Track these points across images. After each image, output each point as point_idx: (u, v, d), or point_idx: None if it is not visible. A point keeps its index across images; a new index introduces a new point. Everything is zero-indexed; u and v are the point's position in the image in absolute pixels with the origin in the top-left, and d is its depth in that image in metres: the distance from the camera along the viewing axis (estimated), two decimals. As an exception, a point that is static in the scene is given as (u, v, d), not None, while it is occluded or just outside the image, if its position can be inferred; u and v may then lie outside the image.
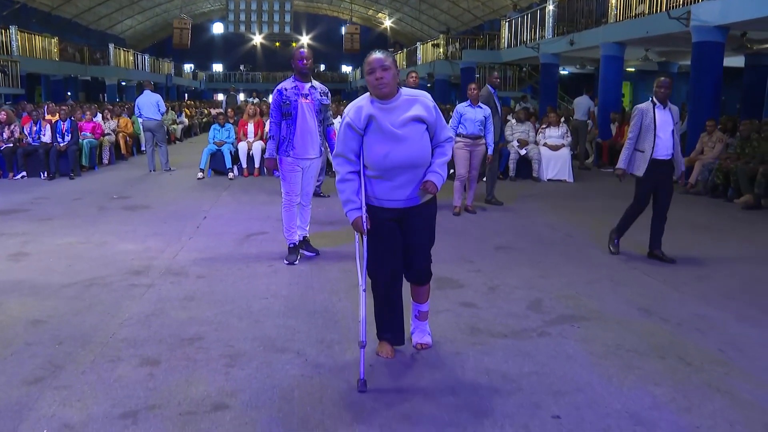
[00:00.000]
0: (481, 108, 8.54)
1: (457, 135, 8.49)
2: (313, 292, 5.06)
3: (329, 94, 6.07)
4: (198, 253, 6.28)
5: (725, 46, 12.40)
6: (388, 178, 3.49)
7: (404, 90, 3.56)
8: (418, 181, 3.53)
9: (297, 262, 5.91)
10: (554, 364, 3.73)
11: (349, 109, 3.55)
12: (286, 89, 5.78)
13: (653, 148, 6.07)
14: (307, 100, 5.78)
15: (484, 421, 3.05)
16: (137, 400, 3.20)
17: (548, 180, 12.28)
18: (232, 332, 4.16)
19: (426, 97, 3.58)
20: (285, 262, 5.90)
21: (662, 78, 6.17)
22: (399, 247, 3.64)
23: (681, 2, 12.65)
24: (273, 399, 3.24)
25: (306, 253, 6.16)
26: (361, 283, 3.53)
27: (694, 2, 12.14)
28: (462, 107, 8.58)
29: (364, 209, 3.52)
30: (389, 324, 3.77)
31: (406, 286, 3.79)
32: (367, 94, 3.56)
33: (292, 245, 5.99)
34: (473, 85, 8.71)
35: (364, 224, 3.51)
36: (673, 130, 6.10)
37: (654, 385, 3.49)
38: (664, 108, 6.12)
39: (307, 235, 6.25)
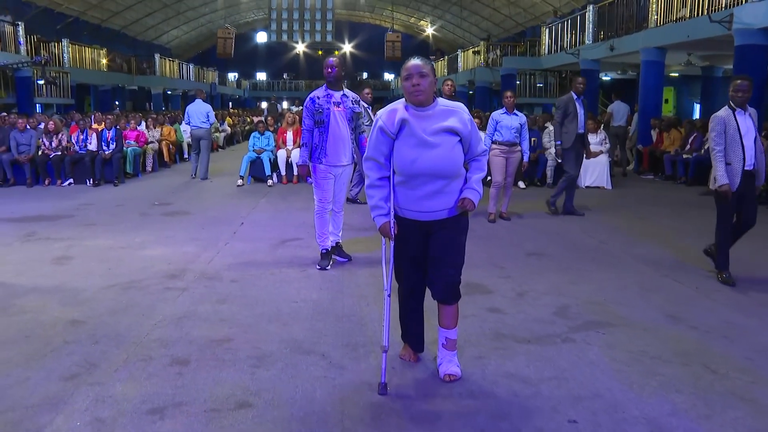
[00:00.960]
0: (516, 115, 8.57)
1: (493, 142, 8.55)
2: (342, 296, 5.16)
3: (361, 102, 6.15)
4: (233, 258, 6.44)
5: (767, 49, 12.17)
6: (412, 187, 3.45)
7: (441, 100, 3.52)
8: (444, 194, 3.46)
9: (329, 267, 6.01)
10: (575, 370, 3.75)
11: (382, 113, 3.53)
12: (318, 97, 5.89)
13: (743, 159, 5.53)
14: (339, 108, 5.87)
15: (500, 424, 3.10)
16: (165, 398, 3.34)
17: (586, 187, 12.19)
18: (260, 334, 4.28)
19: (463, 109, 3.54)
20: (317, 267, 6.01)
21: (739, 81, 5.57)
22: (422, 260, 3.60)
23: (723, 5, 12.48)
24: (295, 399, 3.34)
25: (338, 258, 6.27)
26: (386, 288, 3.54)
27: (737, 5, 11.96)
28: (498, 114, 8.61)
29: (392, 215, 3.52)
30: (411, 331, 3.84)
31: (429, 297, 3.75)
32: (402, 99, 3.54)
33: (324, 251, 6.09)
34: (509, 93, 8.75)
35: (392, 229, 3.51)
36: (756, 137, 5.60)
37: (675, 392, 3.48)
38: (745, 113, 5.60)
39: (340, 241, 6.35)
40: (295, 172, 12.55)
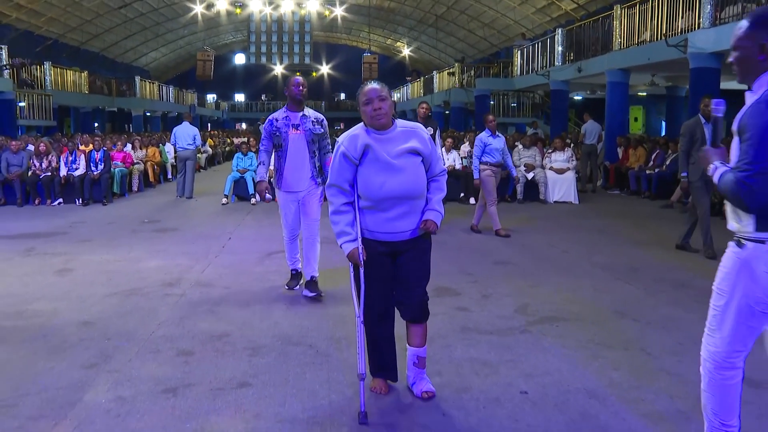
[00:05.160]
0: (500, 137, 9.20)
1: (483, 163, 9.01)
2: (325, 300, 5.70)
3: (325, 123, 5.81)
4: (224, 268, 6.97)
5: (722, 71, 13.01)
6: (381, 210, 3.47)
7: (399, 122, 3.57)
8: (412, 213, 3.51)
9: (297, 287, 5.96)
10: (530, 354, 4.34)
11: (344, 138, 3.53)
12: (276, 119, 5.65)
13: None
14: (298, 131, 5.59)
15: (463, 396, 3.68)
16: (176, 380, 3.87)
17: (554, 202, 12.88)
18: (254, 331, 4.82)
19: (421, 129, 3.59)
20: (285, 287, 6.04)
21: None
22: (391, 282, 3.60)
23: (679, 30, 13.32)
24: (288, 379, 3.89)
25: (307, 293, 5.74)
26: (358, 314, 3.55)
27: (691, 30, 12.79)
28: (485, 137, 9.09)
29: (359, 240, 3.52)
30: (382, 362, 3.70)
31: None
32: (361, 124, 3.56)
33: (293, 271, 6.06)
34: (491, 117, 9.32)
35: (361, 256, 3.49)
36: None
37: (613, 370, 4.08)
38: None
39: (316, 276, 5.82)
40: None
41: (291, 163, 5.62)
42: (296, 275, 6.06)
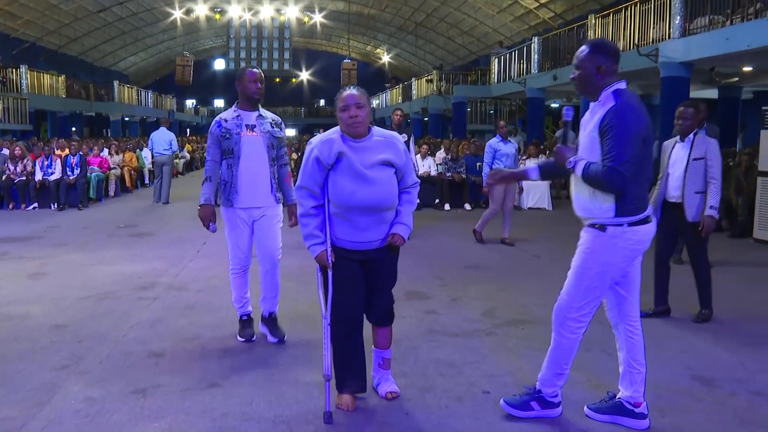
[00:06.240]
0: (511, 142, 9.19)
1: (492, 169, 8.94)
2: (296, 303, 5.78)
3: (283, 126, 4.81)
4: (198, 272, 7.03)
5: (694, 80, 13.31)
6: (349, 219, 3.44)
7: (376, 130, 3.50)
8: (381, 224, 3.50)
9: (255, 338, 4.76)
10: (494, 356, 4.46)
11: (317, 142, 3.46)
12: (225, 120, 4.56)
13: (665, 187, 5.48)
14: (254, 133, 4.55)
15: (426, 395, 3.78)
16: (146, 381, 3.94)
17: (528, 208, 13.06)
18: (225, 333, 4.90)
19: (397, 140, 3.54)
20: (239, 339, 4.74)
21: (680, 107, 5.44)
22: (361, 288, 3.58)
23: (650, 40, 13.60)
24: (257, 380, 3.98)
25: (269, 337, 4.76)
26: (325, 316, 3.56)
27: (662, 40, 13.07)
28: (495, 143, 9.04)
29: (328, 243, 3.50)
30: (351, 371, 3.61)
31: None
32: (337, 128, 3.49)
33: (244, 317, 4.80)
34: (502, 122, 9.38)
35: (329, 258, 3.49)
36: (687, 167, 5.32)
37: (575, 370, 4.17)
38: (683, 141, 5.41)
39: (275, 312, 4.82)
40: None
41: (246, 172, 4.53)
42: (248, 321, 4.82)
